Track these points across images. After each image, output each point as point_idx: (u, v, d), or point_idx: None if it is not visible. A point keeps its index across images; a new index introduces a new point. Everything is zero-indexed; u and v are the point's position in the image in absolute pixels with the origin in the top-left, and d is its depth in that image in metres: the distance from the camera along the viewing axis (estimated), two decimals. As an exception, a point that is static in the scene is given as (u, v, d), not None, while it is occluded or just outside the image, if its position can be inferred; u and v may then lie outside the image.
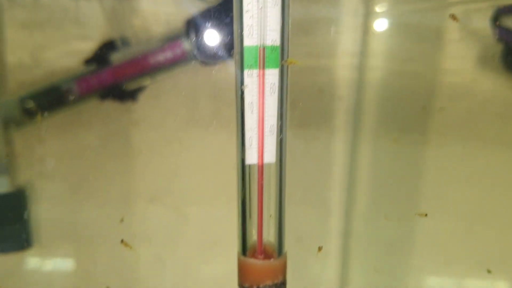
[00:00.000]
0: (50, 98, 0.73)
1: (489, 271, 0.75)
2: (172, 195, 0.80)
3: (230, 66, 0.71)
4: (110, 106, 0.76)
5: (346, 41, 0.68)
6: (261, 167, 0.39)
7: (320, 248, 0.73)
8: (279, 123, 0.38)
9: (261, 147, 0.39)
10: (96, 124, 0.77)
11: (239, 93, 0.38)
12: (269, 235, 0.42)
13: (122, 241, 0.77)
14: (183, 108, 0.77)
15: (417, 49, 0.69)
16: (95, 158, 0.79)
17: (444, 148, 0.72)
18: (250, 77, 0.37)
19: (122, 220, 0.79)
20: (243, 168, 0.40)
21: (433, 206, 0.75)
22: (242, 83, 0.37)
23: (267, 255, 0.41)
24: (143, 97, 0.75)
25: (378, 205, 0.75)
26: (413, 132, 0.72)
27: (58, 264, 0.83)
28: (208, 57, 0.69)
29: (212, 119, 0.76)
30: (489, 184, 0.73)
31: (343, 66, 0.70)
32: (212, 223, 0.81)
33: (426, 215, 0.71)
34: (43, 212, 0.78)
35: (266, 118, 0.38)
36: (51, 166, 0.79)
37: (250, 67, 0.37)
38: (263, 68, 0.37)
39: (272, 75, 0.37)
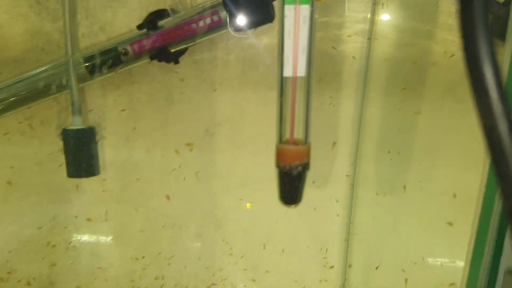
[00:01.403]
0: (109, 58, 0.88)
1: None
2: (205, 140, 0.95)
3: (256, 35, 0.88)
4: (156, 66, 0.92)
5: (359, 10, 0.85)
6: (295, 78, 0.56)
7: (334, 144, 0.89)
8: (309, 46, 0.55)
9: (296, 63, 0.55)
10: (144, 82, 0.93)
11: (282, 22, 0.54)
12: (298, 133, 0.59)
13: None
14: (216, 69, 0.92)
15: (416, 23, 0.85)
16: (142, 109, 0.95)
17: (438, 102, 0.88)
18: (289, 11, 0.54)
19: (163, 156, 0.95)
20: (281, 80, 0.57)
21: (428, 147, 0.91)
22: (284, 14, 0.54)
23: (296, 144, 0.58)
24: (183, 59, 0.90)
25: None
26: (413, 86, 0.88)
27: (117, 186, 0.99)
28: (239, 26, 0.84)
29: (240, 79, 0.92)
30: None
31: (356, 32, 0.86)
32: (243, 164, 0.96)
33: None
34: (105, 150, 0.95)
35: (299, 41, 0.55)
36: (109, 113, 0.95)
37: (290, 2, 0.53)
38: (299, 3, 0.53)
39: (305, 9, 0.54)
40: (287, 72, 0.55)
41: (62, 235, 1.01)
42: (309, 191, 0.94)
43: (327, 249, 0.99)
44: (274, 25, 0.81)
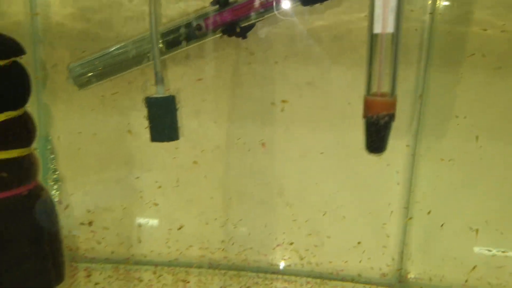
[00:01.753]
0: (184, 33, 0.95)
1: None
2: (270, 112, 1.01)
3: (322, 10, 0.93)
4: (225, 41, 0.98)
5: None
6: (383, 35, 0.62)
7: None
8: (397, 4, 0.60)
9: (385, 21, 0.61)
10: (213, 56, 0.99)
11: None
12: (384, 87, 0.64)
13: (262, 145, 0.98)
14: (281, 44, 0.98)
15: None
16: (211, 82, 1.01)
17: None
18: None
19: (229, 127, 1.02)
20: (371, 37, 0.62)
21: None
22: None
23: (383, 95, 0.63)
24: (250, 34, 0.96)
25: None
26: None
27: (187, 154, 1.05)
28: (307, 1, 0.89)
29: (304, 54, 0.97)
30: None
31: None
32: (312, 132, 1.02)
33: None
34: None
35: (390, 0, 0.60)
36: (180, 86, 1.01)
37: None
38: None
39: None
40: (377, 29, 0.61)
41: (136, 200, 1.08)
42: (369, 162, 0.99)
43: (386, 217, 1.03)
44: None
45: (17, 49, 0.73)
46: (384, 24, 0.60)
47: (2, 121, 0.70)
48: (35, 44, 1.00)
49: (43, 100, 1.03)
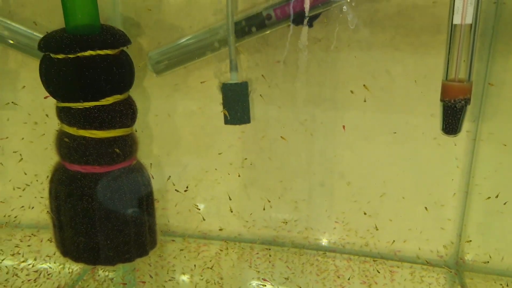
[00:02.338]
0: (254, 22, 1.00)
1: None
2: (332, 98, 1.05)
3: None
4: (293, 30, 1.02)
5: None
6: (463, 25, 0.66)
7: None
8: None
9: (465, 13, 0.65)
10: (279, 44, 1.04)
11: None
12: (460, 73, 0.69)
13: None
14: (346, 32, 1.01)
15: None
16: (277, 69, 1.06)
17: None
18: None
19: (293, 111, 1.07)
20: (451, 27, 0.66)
21: None
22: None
23: (460, 81, 0.67)
24: (317, 23, 1.00)
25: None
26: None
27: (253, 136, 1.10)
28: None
29: (370, 40, 1.01)
30: None
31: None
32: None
33: None
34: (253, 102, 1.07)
35: (470, -7, 0.64)
36: (247, 74, 1.07)
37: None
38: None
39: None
40: (456, 20, 0.65)
41: (202, 179, 1.16)
42: (429, 145, 1.02)
43: (446, 199, 1.06)
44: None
45: (125, 40, 0.81)
46: (463, 15, 0.64)
47: (111, 104, 0.78)
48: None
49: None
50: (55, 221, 0.87)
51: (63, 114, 0.81)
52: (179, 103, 1.11)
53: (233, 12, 0.94)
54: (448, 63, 0.68)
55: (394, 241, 1.12)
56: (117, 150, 0.80)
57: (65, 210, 0.84)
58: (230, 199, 1.16)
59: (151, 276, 1.05)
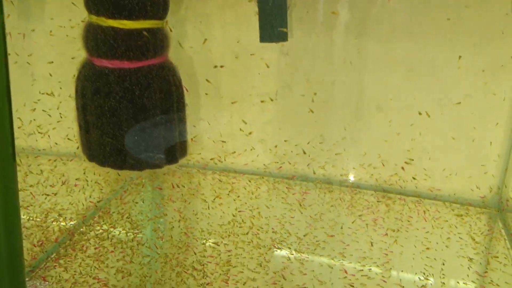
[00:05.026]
0: None
1: None
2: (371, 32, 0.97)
3: None
4: None
5: None
6: None
7: None
8: None
9: None
10: None
11: None
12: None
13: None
14: None
15: None
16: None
17: None
18: None
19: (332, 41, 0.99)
20: None
21: None
22: None
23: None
24: None
25: None
26: None
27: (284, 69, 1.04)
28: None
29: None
30: None
31: None
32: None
33: None
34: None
35: None
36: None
37: None
38: None
39: None
40: None
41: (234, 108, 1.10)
42: (476, 83, 0.95)
43: (491, 139, 1.00)
44: None
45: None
46: None
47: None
48: None
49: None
50: (81, 121, 0.83)
51: (91, 3, 0.76)
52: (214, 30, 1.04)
53: None
54: None
55: (435, 179, 1.06)
56: (147, 35, 0.75)
57: (91, 109, 0.80)
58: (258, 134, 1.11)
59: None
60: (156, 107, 0.80)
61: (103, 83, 0.78)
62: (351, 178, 1.10)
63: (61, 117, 1.10)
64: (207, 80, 1.07)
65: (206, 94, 1.08)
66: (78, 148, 0.89)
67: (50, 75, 1.09)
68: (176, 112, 0.83)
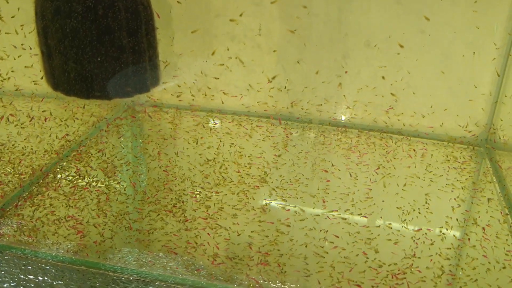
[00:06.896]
0: None
1: None
2: None
3: None
4: None
5: None
6: None
7: None
8: None
9: None
10: None
11: None
12: None
13: None
14: None
15: None
16: None
17: None
18: None
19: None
20: None
21: None
22: None
23: None
24: None
25: None
26: None
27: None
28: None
29: None
30: None
31: None
32: None
33: None
34: None
35: None
36: None
37: None
38: None
39: None
40: None
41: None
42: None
43: (481, 78, 0.96)
44: None
45: None
46: None
47: None
48: None
49: None
50: (42, 47, 0.76)
51: None
52: None
53: None
54: None
55: (424, 117, 1.03)
56: None
57: (52, 32, 0.73)
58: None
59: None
60: (122, 28, 0.73)
61: (64, 1, 0.71)
62: (337, 117, 1.06)
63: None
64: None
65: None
66: (42, 78, 0.82)
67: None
68: (145, 35, 0.77)
